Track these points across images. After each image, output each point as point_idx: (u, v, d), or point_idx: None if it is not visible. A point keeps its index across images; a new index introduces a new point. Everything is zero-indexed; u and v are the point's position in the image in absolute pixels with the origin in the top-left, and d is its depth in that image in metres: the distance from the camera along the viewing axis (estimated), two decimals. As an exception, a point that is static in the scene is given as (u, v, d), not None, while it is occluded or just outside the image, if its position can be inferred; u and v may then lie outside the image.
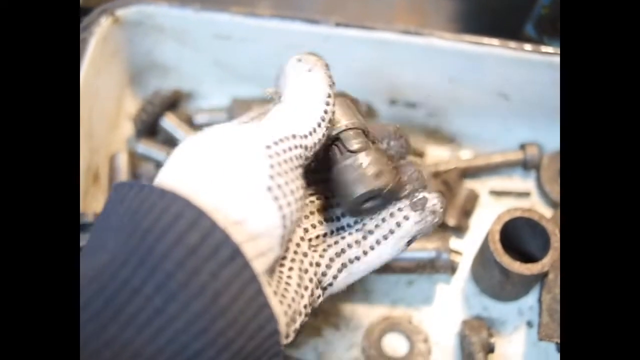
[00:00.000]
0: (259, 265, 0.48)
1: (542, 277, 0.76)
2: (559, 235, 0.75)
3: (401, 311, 0.83)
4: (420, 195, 0.58)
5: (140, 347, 0.44)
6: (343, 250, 0.59)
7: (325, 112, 0.56)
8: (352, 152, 0.57)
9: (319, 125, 0.55)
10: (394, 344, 0.81)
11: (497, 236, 0.76)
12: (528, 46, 0.82)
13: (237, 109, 0.89)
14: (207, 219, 0.45)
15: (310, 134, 0.55)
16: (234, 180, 0.50)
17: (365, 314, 0.82)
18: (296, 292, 0.53)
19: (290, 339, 0.53)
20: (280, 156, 0.52)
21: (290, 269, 0.55)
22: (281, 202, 0.50)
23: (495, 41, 0.82)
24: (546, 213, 0.79)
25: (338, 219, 0.61)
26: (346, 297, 0.83)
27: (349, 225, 0.61)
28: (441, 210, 0.58)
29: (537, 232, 0.77)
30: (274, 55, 0.87)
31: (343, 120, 0.58)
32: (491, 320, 0.82)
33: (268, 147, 0.52)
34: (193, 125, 0.92)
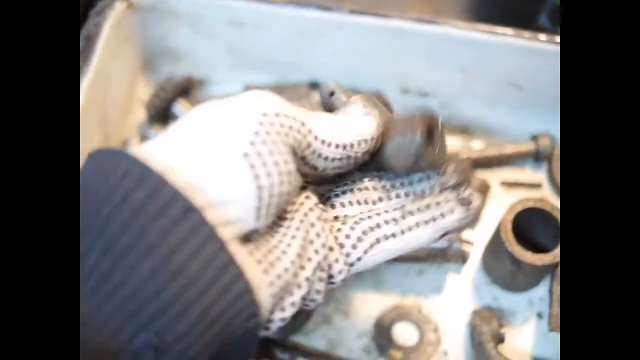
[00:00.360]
0: (226, 233, 0.45)
1: (553, 267, 0.76)
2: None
3: (411, 300, 0.83)
4: (468, 192, 0.57)
5: (89, 314, 0.42)
6: (378, 225, 0.56)
7: (352, 145, 0.53)
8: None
9: (337, 147, 0.53)
10: (404, 333, 0.81)
11: (509, 226, 0.76)
12: (542, 36, 0.81)
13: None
14: (154, 175, 0.43)
15: (323, 142, 0.52)
16: (207, 143, 0.47)
17: (375, 302, 0.83)
18: (292, 262, 0.50)
19: (288, 313, 0.50)
20: (274, 126, 0.49)
21: (293, 237, 0.51)
22: (258, 171, 0.47)
23: (509, 31, 0.82)
24: (557, 204, 0.79)
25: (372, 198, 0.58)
26: (357, 285, 0.83)
27: (382, 199, 0.58)
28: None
29: (549, 223, 0.77)
30: (287, 43, 0.88)
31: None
32: (501, 310, 0.82)
33: (265, 114, 0.49)
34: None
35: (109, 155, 0.45)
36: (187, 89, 0.94)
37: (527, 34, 0.82)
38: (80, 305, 0.42)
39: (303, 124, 0.51)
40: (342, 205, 0.57)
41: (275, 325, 0.51)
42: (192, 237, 0.43)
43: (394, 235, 0.55)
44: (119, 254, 0.42)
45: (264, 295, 0.47)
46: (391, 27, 0.83)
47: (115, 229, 0.42)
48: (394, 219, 0.56)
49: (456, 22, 0.83)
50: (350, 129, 0.54)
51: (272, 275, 0.48)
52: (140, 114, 0.93)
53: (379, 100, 0.59)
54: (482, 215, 0.88)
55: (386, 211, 0.56)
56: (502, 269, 0.79)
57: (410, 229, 0.55)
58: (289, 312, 0.51)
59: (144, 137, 0.91)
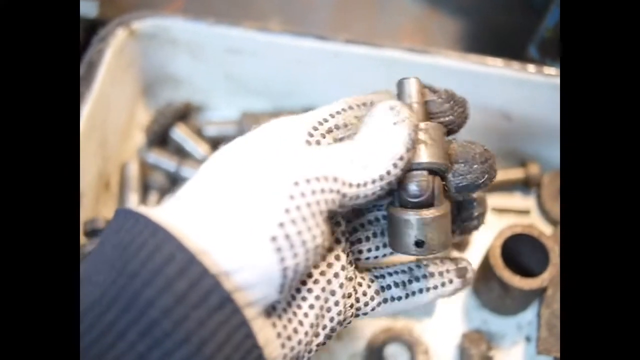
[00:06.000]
0: (249, 313, 0.46)
1: (541, 292, 0.77)
2: (558, 252, 0.76)
3: (403, 323, 0.84)
4: (464, 264, 0.59)
5: None
6: (388, 287, 0.58)
7: (388, 172, 0.51)
8: (413, 204, 0.53)
9: (373, 182, 0.50)
10: (395, 354, 0.82)
11: (497, 251, 0.77)
12: (531, 67, 0.84)
13: (247, 122, 0.91)
14: (198, 265, 0.44)
15: (359, 186, 0.50)
16: (237, 223, 0.46)
17: (367, 324, 0.84)
18: (307, 333, 0.51)
19: None
20: (306, 197, 0.47)
21: (311, 306, 0.52)
22: (285, 254, 0.46)
23: (499, 62, 0.84)
24: (546, 230, 0.81)
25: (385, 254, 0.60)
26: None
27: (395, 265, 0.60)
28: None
29: (536, 249, 0.79)
30: (284, 70, 0.90)
31: (423, 157, 0.53)
32: (491, 333, 0.84)
33: (296, 183, 0.48)
34: (202, 137, 0.94)
35: (147, 227, 0.46)
36: (185, 114, 0.96)
37: (516, 65, 0.84)
38: None
39: (335, 179, 0.49)
40: (363, 252, 0.59)
41: None
42: (223, 327, 0.44)
43: (399, 299, 0.58)
44: (156, 339, 0.43)
45: None
46: (385, 57, 0.85)
47: (156, 314, 0.43)
48: (403, 282, 0.58)
49: (448, 53, 0.85)
50: (382, 153, 0.51)
51: (287, 349, 0.50)
52: (139, 138, 0.95)
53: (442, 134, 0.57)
54: (472, 241, 0.89)
55: (396, 272, 0.59)
56: (491, 293, 0.81)
57: (414, 293, 0.58)
58: None
59: (142, 161, 0.93)
